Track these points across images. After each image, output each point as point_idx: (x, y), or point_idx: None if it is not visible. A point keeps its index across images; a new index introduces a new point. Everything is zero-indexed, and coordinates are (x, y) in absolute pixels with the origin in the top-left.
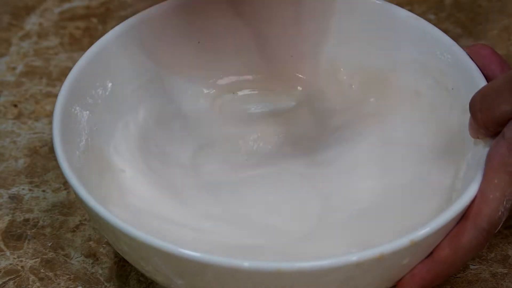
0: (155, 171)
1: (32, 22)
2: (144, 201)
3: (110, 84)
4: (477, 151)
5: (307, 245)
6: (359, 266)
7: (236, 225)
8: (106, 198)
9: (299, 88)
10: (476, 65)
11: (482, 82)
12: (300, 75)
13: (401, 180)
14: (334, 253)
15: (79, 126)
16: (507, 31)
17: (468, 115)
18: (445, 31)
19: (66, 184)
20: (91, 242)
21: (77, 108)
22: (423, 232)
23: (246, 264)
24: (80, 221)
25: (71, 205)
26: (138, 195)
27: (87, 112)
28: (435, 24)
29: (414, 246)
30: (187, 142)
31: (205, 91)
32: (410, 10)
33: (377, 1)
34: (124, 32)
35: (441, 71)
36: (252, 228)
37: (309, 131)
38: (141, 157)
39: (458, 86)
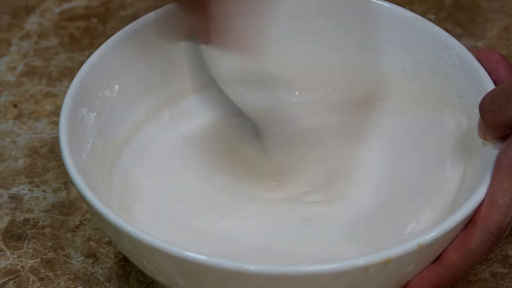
0: (160, 173)
1: (32, 22)
2: (149, 202)
3: (117, 86)
4: (485, 154)
5: (312, 250)
6: (366, 270)
7: (237, 230)
8: (111, 199)
9: (298, 91)
10: (483, 68)
11: (490, 85)
12: (302, 78)
13: (406, 183)
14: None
15: (86, 128)
16: (507, 31)
17: (475, 117)
18: (445, 31)
19: (66, 184)
20: (91, 242)
21: (84, 109)
22: (430, 235)
23: (252, 267)
24: (80, 221)
25: (71, 205)
26: (144, 197)
27: (94, 113)
28: (435, 24)
29: (422, 249)
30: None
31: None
32: (410, 10)
33: (386, 4)
34: (131, 34)
35: (449, 73)
36: (253, 232)
37: (311, 133)
38: (147, 159)
39: (466, 89)
